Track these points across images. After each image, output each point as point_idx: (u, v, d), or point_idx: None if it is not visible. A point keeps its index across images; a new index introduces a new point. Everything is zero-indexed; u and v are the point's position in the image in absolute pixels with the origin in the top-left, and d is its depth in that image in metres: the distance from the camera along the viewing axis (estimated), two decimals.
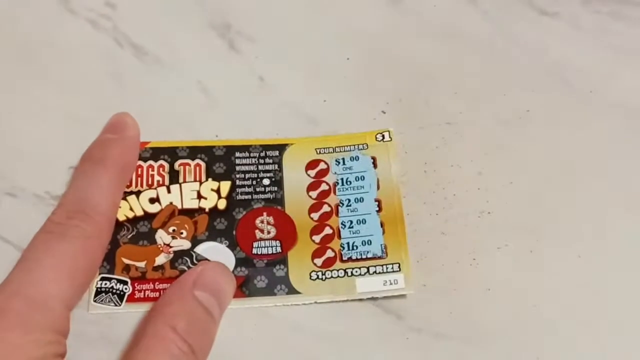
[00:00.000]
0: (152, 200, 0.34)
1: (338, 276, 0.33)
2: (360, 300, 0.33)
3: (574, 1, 0.41)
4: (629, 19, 0.41)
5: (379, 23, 0.40)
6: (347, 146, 0.36)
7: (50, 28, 0.39)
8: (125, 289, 0.32)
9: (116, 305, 0.32)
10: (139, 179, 0.35)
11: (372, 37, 0.40)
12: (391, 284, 0.33)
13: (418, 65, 0.39)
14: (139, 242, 0.33)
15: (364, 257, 0.33)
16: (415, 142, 0.37)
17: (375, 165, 0.36)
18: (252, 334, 0.32)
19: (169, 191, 0.34)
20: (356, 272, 0.33)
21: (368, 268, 0.33)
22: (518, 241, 0.34)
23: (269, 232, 0.34)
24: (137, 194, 0.34)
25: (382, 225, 0.34)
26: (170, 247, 0.33)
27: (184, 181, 0.35)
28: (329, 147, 0.36)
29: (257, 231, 0.34)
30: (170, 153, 0.35)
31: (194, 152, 0.35)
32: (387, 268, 0.33)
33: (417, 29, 0.40)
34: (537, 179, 0.36)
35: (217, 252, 0.33)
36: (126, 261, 0.33)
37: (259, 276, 0.33)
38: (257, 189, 0.35)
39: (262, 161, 0.35)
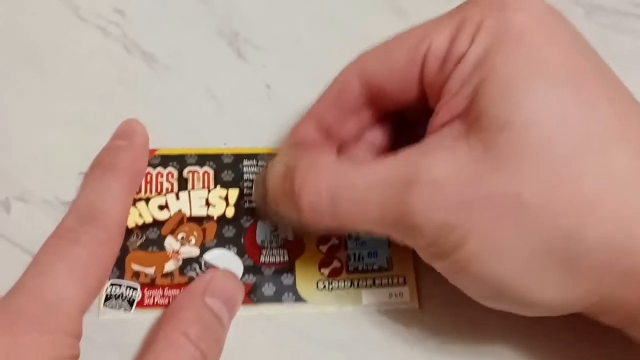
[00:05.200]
0: (162, 208, 0.35)
1: (345, 287, 0.34)
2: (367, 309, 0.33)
3: (578, 13, 0.42)
4: (629, 32, 0.41)
5: (385, 31, 0.40)
6: None
7: (60, 35, 0.39)
8: (135, 295, 0.33)
9: (126, 311, 0.32)
10: (149, 185, 0.35)
11: None
12: (397, 297, 0.33)
13: None
14: (149, 249, 0.34)
15: (370, 268, 0.34)
16: None
17: None
18: (259, 340, 0.33)
19: (178, 198, 0.35)
20: (362, 283, 0.34)
21: (374, 280, 0.34)
22: None
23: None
24: (147, 200, 0.35)
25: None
26: (180, 254, 0.34)
27: (193, 189, 0.35)
28: None
29: None
30: (179, 160, 0.36)
31: (202, 159, 0.36)
32: (392, 281, 0.34)
33: None
34: None
35: (225, 259, 0.34)
36: (136, 267, 0.33)
37: (266, 284, 0.33)
38: None
39: None
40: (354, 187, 0.28)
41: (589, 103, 0.26)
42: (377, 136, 0.33)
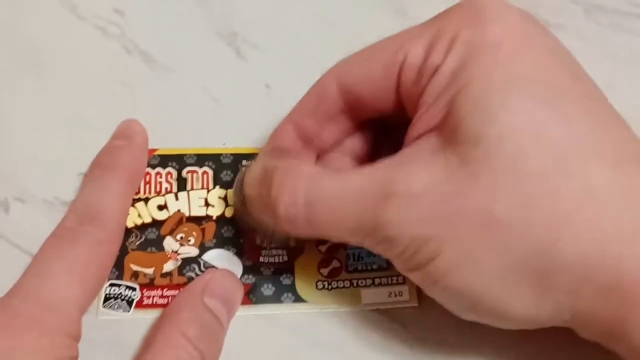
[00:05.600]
0: (160, 208, 0.35)
1: (344, 286, 0.33)
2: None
3: (577, 13, 0.42)
4: (629, 31, 0.41)
5: (384, 32, 0.40)
6: None
7: (59, 35, 0.39)
8: (134, 295, 0.33)
9: (125, 311, 0.32)
10: (147, 185, 0.35)
11: None
12: (396, 295, 0.33)
13: None
14: (147, 249, 0.34)
15: (369, 268, 0.34)
16: None
17: None
18: (258, 341, 0.32)
19: (176, 198, 0.35)
20: (362, 282, 0.33)
21: (373, 279, 0.34)
22: None
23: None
24: (146, 200, 0.35)
25: None
26: (178, 254, 0.34)
27: (192, 188, 0.35)
28: None
29: None
30: (178, 160, 0.36)
31: (201, 159, 0.36)
32: (391, 280, 0.33)
33: None
34: None
35: (224, 259, 0.34)
36: (134, 268, 0.33)
37: (265, 284, 0.33)
38: None
39: None
40: (330, 194, 0.28)
41: (564, 117, 0.26)
42: (357, 143, 0.33)
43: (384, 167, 0.27)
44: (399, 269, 0.29)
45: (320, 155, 0.33)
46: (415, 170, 0.26)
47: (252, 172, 0.31)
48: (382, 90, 0.29)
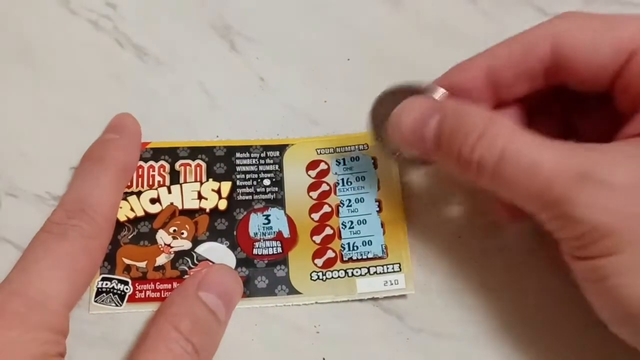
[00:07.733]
0: (153, 201, 0.34)
1: (339, 277, 0.33)
2: (361, 300, 0.33)
3: (575, 1, 0.41)
4: None
5: (379, 23, 0.40)
6: (347, 146, 0.36)
7: (51, 28, 0.39)
8: (126, 289, 0.32)
9: (117, 305, 0.32)
10: (140, 179, 0.35)
11: (372, 37, 0.40)
12: (392, 284, 0.33)
13: (417, 65, 0.39)
14: (140, 243, 0.33)
15: (364, 257, 0.33)
16: None
17: (375, 166, 0.36)
18: (253, 334, 0.32)
19: (169, 191, 0.34)
20: (357, 272, 0.33)
21: (369, 268, 0.33)
22: (520, 241, 0.34)
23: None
24: (138, 194, 0.34)
25: (382, 225, 0.34)
26: (171, 247, 0.33)
27: (185, 181, 0.35)
28: (329, 148, 0.36)
29: None
30: (171, 153, 0.35)
31: (194, 152, 0.35)
32: (387, 268, 0.33)
33: (416, 29, 0.40)
34: None
35: (217, 252, 0.33)
36: (127, 261, 0.33)
37: (259, 276, 0.33)
38: (258, 190, 0.35)
39: (262, 161, 0.36)
40: (527, 157, 0.27)
41: None
42: (514, 112, 0.32)
43: (585, 150, 0.27)
44: (564, 252, 0.28)
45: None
46: (622, 164, 0.26)
47: (412, 105, 0.30)
48: (600, 69, 0.28)
